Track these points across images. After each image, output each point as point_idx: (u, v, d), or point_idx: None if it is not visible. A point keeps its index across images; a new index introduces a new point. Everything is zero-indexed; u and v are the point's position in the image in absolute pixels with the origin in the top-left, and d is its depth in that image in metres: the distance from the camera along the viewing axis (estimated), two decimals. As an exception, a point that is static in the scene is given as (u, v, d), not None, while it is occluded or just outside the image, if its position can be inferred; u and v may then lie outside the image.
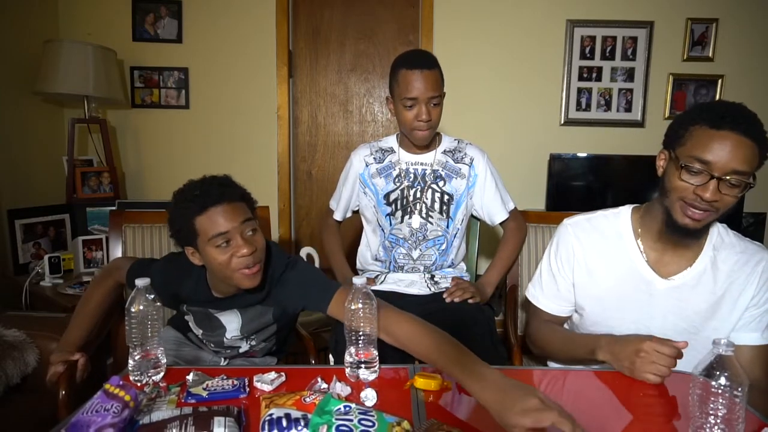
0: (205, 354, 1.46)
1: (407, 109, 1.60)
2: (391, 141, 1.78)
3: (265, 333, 1.42)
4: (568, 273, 1.32)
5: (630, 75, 3.03)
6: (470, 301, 1.61)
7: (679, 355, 1.03)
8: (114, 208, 2.60)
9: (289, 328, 1.54)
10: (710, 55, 2.99)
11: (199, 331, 1.41)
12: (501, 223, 1.79)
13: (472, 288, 1.64)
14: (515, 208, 1.81)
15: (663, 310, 1.22)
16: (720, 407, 0.81)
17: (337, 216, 1.89)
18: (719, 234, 1.23)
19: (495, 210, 1.76)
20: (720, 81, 2.99)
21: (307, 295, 1.30)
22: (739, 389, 0.80)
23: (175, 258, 1.36)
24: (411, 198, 1.71)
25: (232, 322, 1.35)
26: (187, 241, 1.20)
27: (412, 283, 1.72)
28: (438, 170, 1.71)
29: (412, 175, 1.72)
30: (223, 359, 1.45)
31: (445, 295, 1.63)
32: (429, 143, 1.72)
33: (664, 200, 1.15)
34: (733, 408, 0.80)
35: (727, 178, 1.04)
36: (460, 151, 1.74)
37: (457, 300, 1.60)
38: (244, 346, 1.42)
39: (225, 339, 1.39)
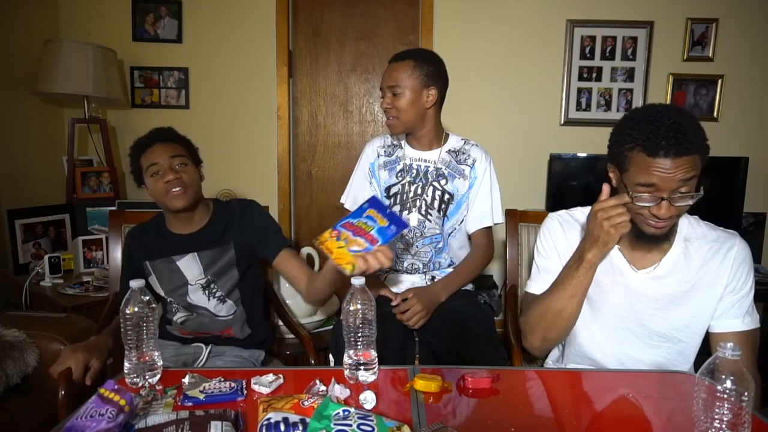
0: (185, 348, 1.50)
1: (382, 99, 1.68)
2: (400, 136, 1.79)
3: (227, 279, 1.51)
4: (555, 257, 1.32)
5: (630, 75, 3.02)
6: (417, 325, 1.57)
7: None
8: (114, 208, 2.60)
9: (253, 280, 1.60)
10: (710, 55, 2.98)
11: (161, 291, 1.51)
12: (474, 233, 1.75)
13: (422, 311, 1.56)
14: (491, 227, 1.76)
15: (640, 298, 1.23)
16: (725, 412, 0.79)
17: (348, 204, 1.86)
18: (689, 224, 1.25)
19: (477, 215, 1.73)
20: (720, 81, 2.99)
21: (264, 236, 1.53)
22: (746, 394, 0.79)
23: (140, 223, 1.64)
24: (411, 194, 1.71)
25: (192, 270, 1.50)
26: (140, 179, 1.48)
27: (412, 284, 1.72)
28: (441, 168, 1.72)
29: (414, 171, 1.73)
30: (205, 350, 1.50)
31: (395, 310, 1.58)
32: (434, 140, 1.73)
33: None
34: (740, 413, 0.79)
35: (676, 196, 1.07)
36: (464, 153, 1.74)
37: (410, 324, 1.56)
38: (211, 304, 1.50)
39: (189, 289, 1.50)
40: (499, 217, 1.76)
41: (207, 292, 1.50)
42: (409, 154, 1.75)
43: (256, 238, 1.52)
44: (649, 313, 1.23)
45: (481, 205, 1.73)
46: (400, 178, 1.74)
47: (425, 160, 1.73)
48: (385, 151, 1.79)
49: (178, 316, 1.53)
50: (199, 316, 1.52)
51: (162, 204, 1.46)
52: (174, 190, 1.41)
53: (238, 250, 1.52)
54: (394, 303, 1.59)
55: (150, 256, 1.52)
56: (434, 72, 1.66)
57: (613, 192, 1.17)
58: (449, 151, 1.74)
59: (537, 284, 1.34)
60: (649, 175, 1.07)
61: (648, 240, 1.18)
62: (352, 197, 1.85)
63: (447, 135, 1.77)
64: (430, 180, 1.71)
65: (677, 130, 1.04)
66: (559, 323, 1.23)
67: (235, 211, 1.55)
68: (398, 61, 1.64)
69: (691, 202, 1.09)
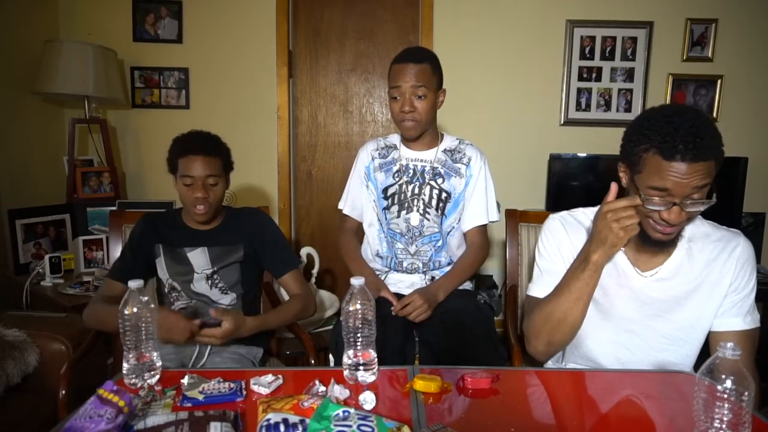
0: (186, 348, 1.50)
1: (394, 101, 1.65)
2: (395, 138, 1.81)
3: (230, 273, 1.60)
4: (559, 259, 1.30)
5: (630, 75, 3.02)
6: (418, 319, 1.57)
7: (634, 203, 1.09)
8: (114, 208, 2.61)
9: (255, 279, 1.70)
10: (710, 55, 2.98)
11: (166, 274, 1.58)
12: (469, 231, 1.75)
13: (424, 305, 1.57)
14: (486, 225, 1.76)
15: (645, 300, 1.22)
16: (725, 412, 0.79)
17: (347, 210, 1.87)
18: (693, 224, 1.23)
19: (471, 213, 1.74)
20: (719, 81, 2.99)
21: (275, 253, 1.65)
22: (746, 394, 0.78)
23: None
24: (409, 194, 1.72)
25: (199, 261, 1.59)
26: (173, 170, 1.57)
27: (412, 285, 1.72)
28: (437, 168, 1.72)
29: (411, 171, 1.73)
30: (203, 347, 1.50)
31: (395, 309, 1.58)
32: (430, 140, 1.74)
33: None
34: (740, 413, 0.79)
35: (688, 202, 1.06)
36: (459, 152, 1.74)
37: (412, 318, 1.57)
38: (213, 293, 1.57)
39: (194, 277, 1.58)
40: (494, 215, 1.76)
41: (210, 282, 1.58)
42: (405, 154, 1.75)
43: (266, 250, 1.65)
44: (654, 314, 1.22)
45: (476, 204, 1.74)
46: (396, 179, 1.74)
47: (422, 160, 1.73)
48: (379, 153, 1.79)
49: (177, 305, 1.58)
50: (198, 303, 1.57)
51: (184, 206, 1.59)
52: (199, 207, 1.52)
53: (246, 251, 1.61)
54: (393, 310, 1.57)
55: (162, 241, 1.60)
56: (442, 74, 1.69)
57: (622, 192, 1.15)
58: (445, 151, 1.75)
59: (540, 287, 1.31)
60: (663, 179, 1.04)
61: (653, 243, 1.16)
62: (350, 202, 1.86)
63: (442, 135, 1.77)
64: (427, 179, 1.72)
65: (696, 133, 1.01)
66: (565, 326, 1.20)
67: (245, 218, 1.67)
68: (419, 62, 1.60)
69: (702, 209, 1.08)
